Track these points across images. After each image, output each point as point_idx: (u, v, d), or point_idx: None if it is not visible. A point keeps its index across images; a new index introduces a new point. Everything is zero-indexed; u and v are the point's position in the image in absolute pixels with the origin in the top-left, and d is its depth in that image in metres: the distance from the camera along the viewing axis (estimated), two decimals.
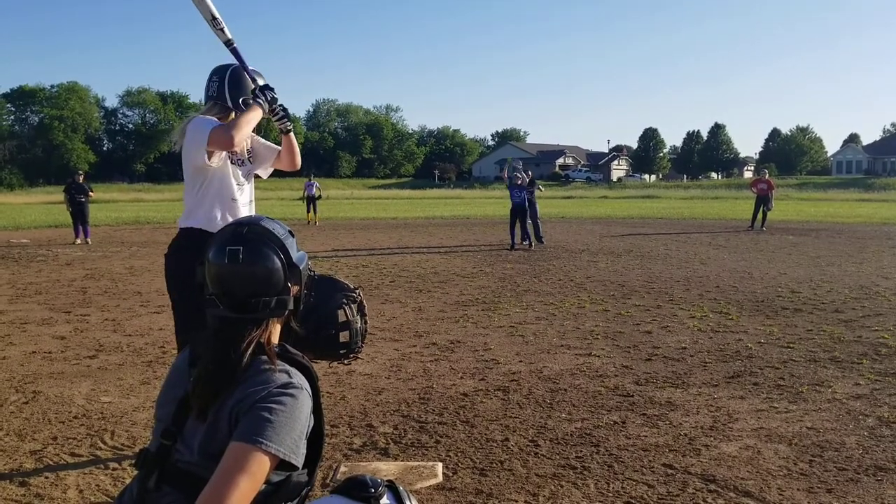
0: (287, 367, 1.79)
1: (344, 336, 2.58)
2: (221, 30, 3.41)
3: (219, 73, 3.47)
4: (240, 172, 3.60)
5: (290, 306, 1.87)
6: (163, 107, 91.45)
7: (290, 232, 1.92)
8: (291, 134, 3.60)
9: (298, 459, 1.70)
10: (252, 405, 1.68)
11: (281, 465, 1.68)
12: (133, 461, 2.81)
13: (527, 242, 15.98)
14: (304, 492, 1.80)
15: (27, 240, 18.44)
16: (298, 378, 1.77)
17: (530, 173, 17.79)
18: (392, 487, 1.81)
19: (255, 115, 3.30)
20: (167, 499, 1.72)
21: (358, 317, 2.63)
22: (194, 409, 1.75)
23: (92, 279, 11.09)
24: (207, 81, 3.49)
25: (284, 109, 3.43)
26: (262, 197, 23.40)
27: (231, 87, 3.41)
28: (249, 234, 1.83)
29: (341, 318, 2.59)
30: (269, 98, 3.34)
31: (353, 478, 1.82)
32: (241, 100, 3.42)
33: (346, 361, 2.70)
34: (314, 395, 1.82)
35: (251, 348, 1.76)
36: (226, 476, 1.59)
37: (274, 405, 1.67)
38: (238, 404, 1.69)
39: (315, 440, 1.82)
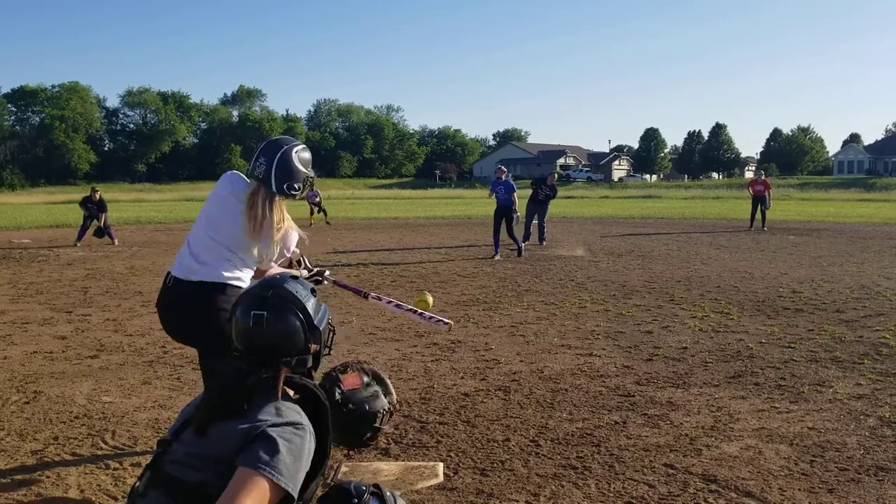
0: (297, 407, 1.88)
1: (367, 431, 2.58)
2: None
3: (266, 154, 3.30)
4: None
5: (309, 364, 2.02)
6: (164, 107, 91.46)
7: (312, 291, 2.05)
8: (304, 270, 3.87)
9: (296, 493, 1.77)
10: (262, 432, 1.76)
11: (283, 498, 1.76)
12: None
13: (518, 247, 14.07)
14: None
15: (28, 240, 18.45)
16: (305, 420, 1.86)
17: (556, 175, 17.57)
18: (378, 494, 1.86)
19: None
20: (151, 500, 1.80)
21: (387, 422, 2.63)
22: (194, 425, 1.85)
23: (93, 279, 11.10)
24: (254, 160, 3.34)
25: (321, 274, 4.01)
26: None
27: (278, 171, 3.27)
28: (273, 298, 1.96)
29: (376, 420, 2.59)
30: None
31: (338, 485, 1.89)
32: (285, 185, 3.29)
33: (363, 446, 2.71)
34: (323, 420, 1.92)
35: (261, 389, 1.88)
36: (234, 495, 1.67)
37: (285, 439, 1.76)
38: (249, 428, 1.78)
39: (315, 466, 1.90)
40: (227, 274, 3.33)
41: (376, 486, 1.89)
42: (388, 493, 1.88)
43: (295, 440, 1.77)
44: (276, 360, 1.92)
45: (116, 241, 17.14)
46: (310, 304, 2.00)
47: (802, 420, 4.46)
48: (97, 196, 17.48)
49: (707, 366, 5.75)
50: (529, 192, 16.52)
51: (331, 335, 2.12)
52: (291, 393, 1.93)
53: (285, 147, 3.32)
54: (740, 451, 3.95)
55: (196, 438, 1.82)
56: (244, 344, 1.95)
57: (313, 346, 2.00)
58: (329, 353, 2.13)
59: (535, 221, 16.32)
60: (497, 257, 13.74)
